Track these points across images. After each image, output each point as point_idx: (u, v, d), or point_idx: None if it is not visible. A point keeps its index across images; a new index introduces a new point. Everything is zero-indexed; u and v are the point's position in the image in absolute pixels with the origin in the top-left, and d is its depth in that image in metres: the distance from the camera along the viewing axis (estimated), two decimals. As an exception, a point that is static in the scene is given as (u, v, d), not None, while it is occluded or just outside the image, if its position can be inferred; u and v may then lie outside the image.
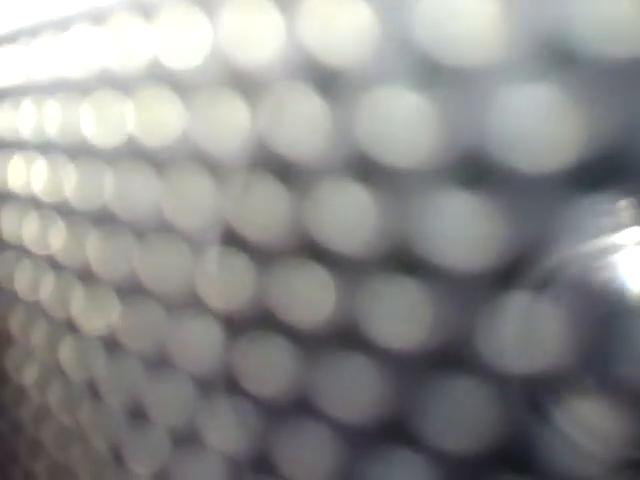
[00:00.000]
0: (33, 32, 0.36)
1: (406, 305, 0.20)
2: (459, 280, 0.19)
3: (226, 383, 0.26)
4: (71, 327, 0.35)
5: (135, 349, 0.31)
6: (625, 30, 0.17)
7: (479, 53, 0.19)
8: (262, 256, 0.24)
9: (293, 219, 0.23)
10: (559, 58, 0.18)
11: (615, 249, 0.18)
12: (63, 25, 0.33)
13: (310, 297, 0.23)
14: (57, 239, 0.36)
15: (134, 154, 0.29)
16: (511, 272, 0.19)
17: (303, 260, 0.23)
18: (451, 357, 0.20)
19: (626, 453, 0.18)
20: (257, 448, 0.25)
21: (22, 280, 0.40)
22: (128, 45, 0.29)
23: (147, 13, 0.28)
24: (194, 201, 0.27)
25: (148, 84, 0.28)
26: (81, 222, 0.33)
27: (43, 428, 0.40)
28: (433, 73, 0.19)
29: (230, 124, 0.25)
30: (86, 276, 0.33)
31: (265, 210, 0.24)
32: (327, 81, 0.22)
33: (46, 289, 0.37)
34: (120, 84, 0.30)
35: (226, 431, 0.26)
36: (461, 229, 0.19)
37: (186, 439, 0.28)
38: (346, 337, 0.22)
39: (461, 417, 0.20)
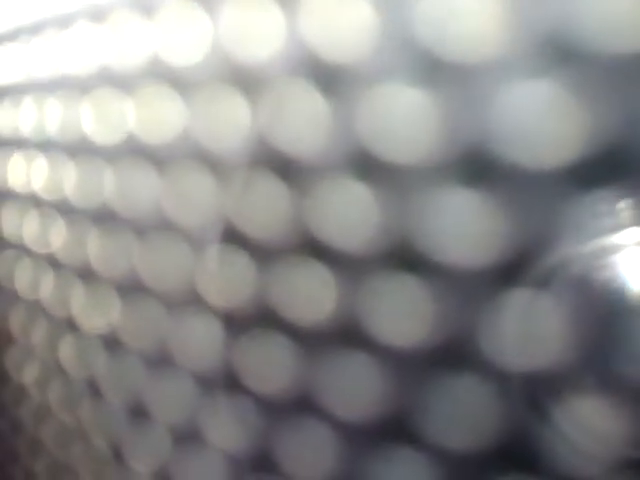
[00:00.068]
0: (33, 30, 0.36)
1: (407, 302, 0.20)
2: (460, 278, 0.19)
3: (227, 381, 0.26)
4: (71, 325, 0.35)
5: (135, 347, 0.31)
6: (627, 26, 0.17)
7: (480, 50, 0.18)
8: (263, 254, 0.24)
9: (294, 216, 0.23)
10: (561, 54, 0.18)
11: (615, 249, 0.18)
12: (63, 23, 0.33)
13: (311, 295, 0.23)
14: (57, 237, 0.36)
15: (134, 152, 0.29)
16: (512, 270, 0.19)
17: (304, 258, 0.23)
18: (453, 355, 0.20)
19: (626, 452, 0.18)
20: (258, 446, 0.25)
21: (22, 279, 0.40)
22: (128, 42, 0.29)
23: (147, 10, 0.28)
24: (194, 199, 0.26)
25: (148, 81, 0.28)
26: (81, 220, 0.33)
27: (43, 427, 0.40)
28: (434, 70, 0.19)
29: (230, 121, 0.25)
30: (86, 274, 0.33)
31: (266, 207, 0.24)
32: (328, 78, 0.22)
33: (46, 287, 0.37)
34: (120, 81, 0.30)
35: (227, 429, 0.26)
36: (462, 226, 0.19)
37: (187, 437, 0.28)
38: (347, 335, 0.22)
39: (462, 415, 0.20)
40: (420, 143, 0.20)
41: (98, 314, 0.33)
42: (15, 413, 0.42)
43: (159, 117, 0.28)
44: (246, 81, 0.24)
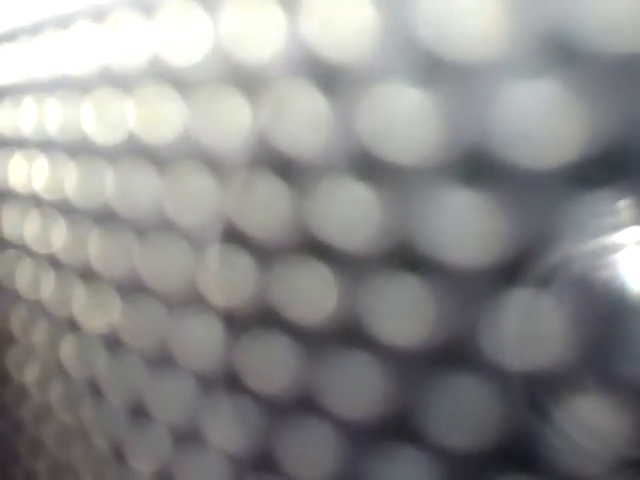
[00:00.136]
0: (33, 30, 0.36)
1: (409, 302, 0.20)
2: (461, 277, 0.19)
3: (228, 381, 0.26)
4: (72, 325, 0.35)
5: (136, 347, 0.31)
6: (628, 26, 0.17)
7: (481, 49, 0.18)
8: (264, 253, 0.24)
9: (295, 216, 0.23)
10: (562, 54, 0.18)
11: (616, 248, 0.18)
12: (63, 23, 0.33)
13: (312, 294, 0.23)
14: (58, 237, 0.36)
15: (135, 152, 0.29)
16: (513, 269, 0.19)
17: (305, 257, 0.23)
18: (454, 354, 0.20)
19: (626, 452, 0.18)
20: (259, 446, 0.25)
21: (23, 279, 0.40)
22: (128, 42, 0.29)
23: (147, 10, 0.28)
24: (195, 198, 0.26)
25: (149, 81, 0.28)
26: (82, 220, 0.33)
27: (44, 427, 0.40)
28: (435, 69, 0.19)
29: (231, 121, 0.25)
30: (87, 274, 0.33)
31: (266, 207, 0.24)
32: (329, 78, 0.22)
33: (47, 287, 0.37)
34: (121, 81, 0.29)
35: (228, 429, 0.26)
36: (463, 226, 0.19)
37: (188, 437, 0.28)
38: (349, 334, 0.22)
39: (464, 414, 0.20)
40: (421, 143, 0.20)
41: (99, 314, 0.33)
42: (16, 413, 0.42)
43: (159, 117, 0.28)
44: (246, 81, 0.24)
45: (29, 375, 0.41)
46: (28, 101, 0.37)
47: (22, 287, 0.40)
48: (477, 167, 0.19)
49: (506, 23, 0.18)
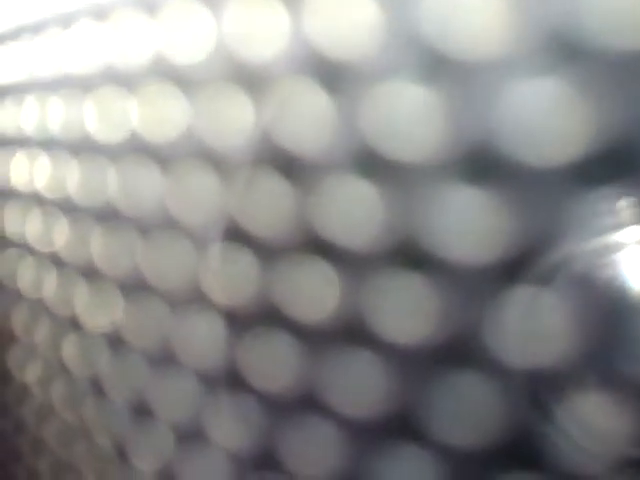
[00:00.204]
0: (36, 28, 0.36)
1: (412, 300, 0.20)
2: (464, 275, 0.19)
3: (230, 379, 0.26)
4: (75, 324, 0.35)
5: (139, 346, 0.31)
6: (632, 23, 0.17)
7: (486, 47, 0.18)
8: (266, 252, 0.24)
9: (298, 214, 0.23)
10: (566, 51, 0.18)
11: (618, 247, 0.18)
12: (66, 21, 0.33)
13: (315, 292, 0.23)
14: (60, 236, 0.36)
15: (138, 150, 0.29)
16: (517, 266, 0.19)
17: (308, 255, 0.23)
18: (457, 352, 0.20)
19: (628, 451, 0.18)
20: (262, 444, 0.25)
21: (25, 277, 0.40)
22: (131, 41, 0.29)
23: (150, 8, 0.28)
24: (198, 197, 0.26)
25: (152, 80, 0.28)
26: (84, 219, 0.33)
27: (46, 426, 0.40)
28: (439, 67, 0.19)
29: (234, 119, 0.25)
30: (90, 273, 0.33)
31: (269, 205, 0.24)
32: (332, 76, 0.22)
33: (49, 286, 0.37)
34: (123, 80, 0.29)
35: (230, 427, 0.26)
36: (466, 224, 0.19)
37: (190, 436, 0.28)
38: (351, 332, 0.22)
39: (467, 412, 0.20)
40: (425, 141, 0.20)
41: (101, 313, 0.33)
42: (18, 412, 0.42)
43: (162, 115, 0.28)
44: (250, 79, 0.24)
45: (31, 374, 0.41)
46: (30, 100, 0.37)
47: (24, 286, 0.40)
48: (480, 165, 0.19)
49: (510, 20, 0.18)
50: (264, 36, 0.23)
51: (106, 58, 0.31)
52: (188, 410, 0.28)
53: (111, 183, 0.31)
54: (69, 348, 0.36)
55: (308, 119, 0.22)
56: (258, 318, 0.25)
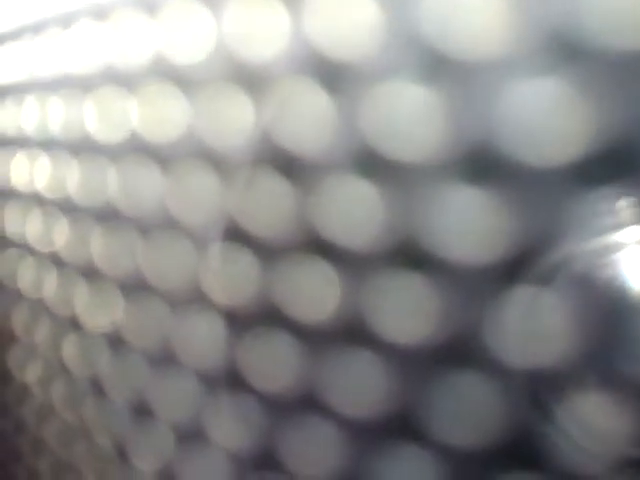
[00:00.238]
0: (36, 29, 0.36)
1: (412, 300, 0.20)
2: (465, 275, 0.19)
3: (230, 379, 0.26)
4: (75, 324, 0.35)
5: (139, 346, 0.31)
6: (633, 22, 0.17)
7: (486, 47, 0.18)
8: (267, 251, 0.24)
9: (298, 214, 0.23)
10: (566, 51, 0.18)
11: (617, 247, 0.18)
12: (66, 21, 0.33)
13: (315, 292, 0.23)
14: (60, 236, 0.36)
15: (138, 150, 0.29)
16: (517, 266, 0.19)
17: (308, 255, 0.23)
18: (457, 352, 0.20)
19: (628, 451, 0.18)
20: (262, 444, 0.25)
21: (25, 278, 0.40)
22: (131, 41, 0.29)
23: (150, 8, 0.28)
24: (198, 197, 0.26)
25: (152, 80, 0.28)
26: (85, 219, 0.33)
27: (46, 426, 0.40)
28: (440, 67, 0.19)
29: (235, 119, 0.25)
30: (90, 273, 0.33)
31: (270, 205, 0.24)
32: (332, 76, 0.22)
33: (50, 286, 0.37)
34: (124, 80, 0.29)
35: (230, 427, 0.26)
36: (467, 223, 0.19)
37: (190, 436, 0.28)
38: (352, 332, 0.22)
39: (467, 412, 0.20)
40: (425, 141, 0.20)
41: (101, 313, 0.33)
42: (18, 412, 0.42)
43: (162, 115, 0.28)
44: (250, 79, 0.24)
45: (31, 374, 0.41)
46: (31, 100, 0.37)
47: (24, 286, 0.40)
48: (480, 165, 0.19)
49: (510, 20, 0.18)
50: (264, 36, 0.23)
51: (106, 58, 0.31)
52: (188, 410, 0.28)
53: (111, 183, 0.31)
54: (69, 348, 0.36)
55: (308, 119, 0.22)
56: (258, 318, 0.25)
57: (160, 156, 0.28)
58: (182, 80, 0.27)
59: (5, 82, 0.39)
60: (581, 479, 0.19)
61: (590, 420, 0.18)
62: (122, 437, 0.33)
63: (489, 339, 0.19)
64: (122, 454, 0.33)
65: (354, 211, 0.21)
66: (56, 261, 0.36)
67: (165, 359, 0.29)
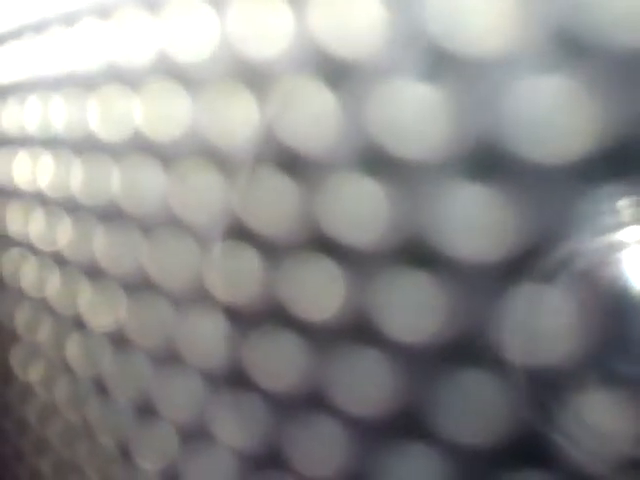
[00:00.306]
0: (38, 27, 0.36)
1: (418, 298, 0.20)
2: (471, 272, 0.19)
3: (235, 378, 0.26)
4: (78, 323, 0.35)
5: (143, 345, 0.31)
6: (638, 20, 0.17)
7: (492, 44, 0.18)
8: (271, 250, 0.24)
9: (302, 212, 0.23)
10: (572, 49, 0.18)
11: (620, 246, 0.18)
12: (69, 20, 0.33)
13: (320, 291, 0.23)
14: (63, 235, 0.35)
15: (141, 149, 0.29)
16: (521, 264, 0.19)
17: (313, 254, 0.23)
18: (463, 350, 0.20)
19: (630, 451, 0.18)
20: (266, 443, 0.25)
21: (28, 277, 0.39)
22: (135, 39, 0.29)
23: (153, 6, 0.28)
24: (202, 195, 0.26)
25: (155, 78, 0.28)
26: (88, 218, 0.33)
27: (49, 425, 0.40)
28: (445, 65, 0.19)
29: (238, 118, 0.25)
30: (93, 272, 0.33)
31: (274, 204, 0.24)
32: (337, 74, 0.21)
33: (52, 286, 0.37)
34: (127, 78, 0.29)
35: (235, 426, 0.26)
36: (472, 221, 0.19)
37: (195, 435, 0.28)
38: (357, 330, 0.22)
39: (474, 410, 0.20)
40: (430, 138, 0.20)
41: (105, 312, 0.33)
42: (21, 412, 0.42)
43: (166, 114, 0.28)
44: (254, 77, 0.24)
45: (34, 373, 0.41)
46: (33, 98, 0.37)
47: (27, 285, 0.40)
48: (486, 162, 0.19)
49: (516, 17, 0.18)
50: (268, 34, 0.23)
51: (109, 56, 0.31)
52: (192, 409, 0.28)
53: (114, 182, 0.31)
54: (72, 347, 0.36)
55: (312, 117, 0.22)
56: (263, 316, 0.25)
57: (163, 154, 0.28)
58: (186, 78, 0.27)
59: (8, 81, 0.39)
60: (584, 479, 0.19)
61: (593, 419, 0.18)
62: (126, 436, 0.33)
63: (495, 337, 0.19)
64: (126, 453, 0.33)
65: (359, 209, 0.21)
66: (59, 260, 0.36)
67: (169, 358, 0.29)
